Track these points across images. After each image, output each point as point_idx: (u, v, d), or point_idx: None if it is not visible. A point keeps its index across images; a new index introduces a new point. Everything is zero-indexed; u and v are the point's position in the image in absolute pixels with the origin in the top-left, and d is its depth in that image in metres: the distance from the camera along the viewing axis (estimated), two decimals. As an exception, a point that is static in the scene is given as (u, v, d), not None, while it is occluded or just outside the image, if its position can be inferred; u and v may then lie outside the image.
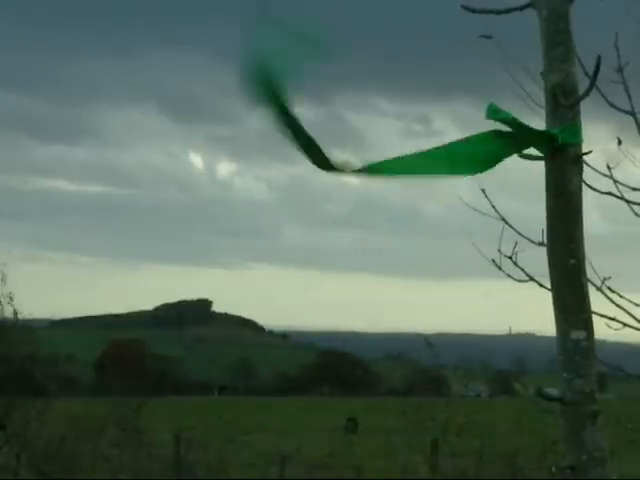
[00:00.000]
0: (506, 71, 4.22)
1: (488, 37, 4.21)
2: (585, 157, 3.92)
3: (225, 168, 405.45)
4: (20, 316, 19.12)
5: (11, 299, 18.95)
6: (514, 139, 3.82)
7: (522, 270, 4.57)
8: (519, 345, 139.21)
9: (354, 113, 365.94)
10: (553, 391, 3.89)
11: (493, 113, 3.75)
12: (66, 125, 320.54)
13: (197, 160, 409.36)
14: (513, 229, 4.54)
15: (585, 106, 3.85)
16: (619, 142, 5.04)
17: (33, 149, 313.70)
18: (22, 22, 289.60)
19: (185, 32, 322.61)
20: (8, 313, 19.07)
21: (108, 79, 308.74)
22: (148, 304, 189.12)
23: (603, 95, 5.07)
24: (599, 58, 3.63)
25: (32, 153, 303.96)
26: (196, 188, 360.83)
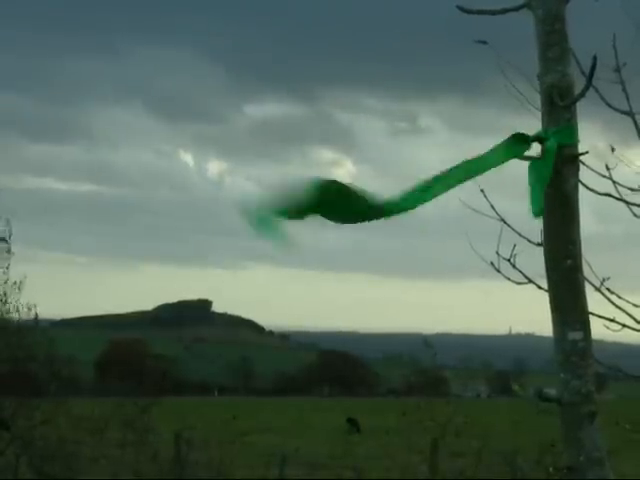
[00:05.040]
0: (501, 72, 4.21)
1: (484, 42, 4.20)
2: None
3: (215, 167, 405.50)
4: (21, 316, 19.07)
5: (29, 309, 18.90)
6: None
7: (520, 272, 4.56)
8: (519, 345, 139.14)
9: (342, 111, 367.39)
10: (552, 391, 3.89)
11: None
12: (56, 124, 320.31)
13: (188, 159, 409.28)
14: (512, 229, 4.53)
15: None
16: (612, 150, 5.02)
17: (23, 148, 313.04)
18: (11, 22, 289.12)
19: (172, 30, 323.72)
20: (26, 316, 19.01)
21: (96, 78, 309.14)
22: (148, 304, 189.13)
23: (601, 95, 5.06)
24: (595, 58, 3.63)
25: (22, 152, 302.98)
26: (189, 187, 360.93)
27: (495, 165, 3.85)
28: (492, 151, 3.83)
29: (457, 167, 3.79)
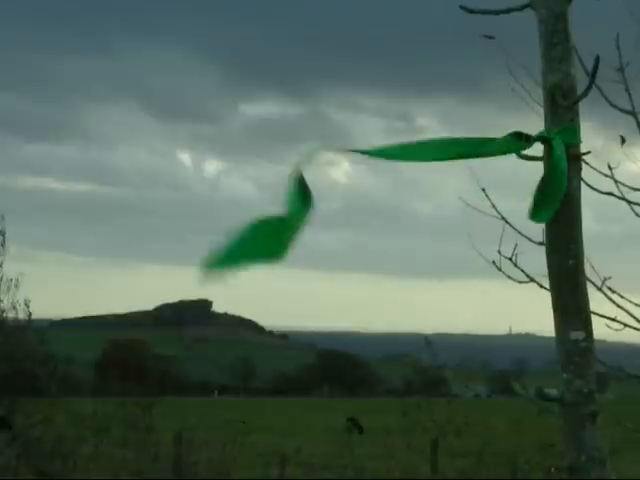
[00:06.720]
0: (508, 70, 4.21)
1: (491, 37, 4.19)
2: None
3: (212, 167, 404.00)
4: (24, 317, 19.02)
5: (27, 305, 18.84)
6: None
7: (522, 271, 4.56)
8: (519, 345, 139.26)
9: (337, 110, 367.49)
10: (553, 391, 3.89)
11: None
12: (54, 124, 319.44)
13: (185, 158, 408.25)
14: (514, 229, 4.53)
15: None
16: (623, 141, 5.00)
17: (21, 147, 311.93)
18: (5, 21, 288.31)
19: (169, 30, 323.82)
20: (22, 315, 18.96)
21: (94, 78, 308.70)
22: (148, 304, 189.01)
23: (604, 95, 5.06)
24: (597, 58, 3.62)
25: (20, 151, 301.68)
26: (187, 187, 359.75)
27: (491, 154, 3.83)
28: (492, 140, 3.81)
29: (455, 140, 3.80)
